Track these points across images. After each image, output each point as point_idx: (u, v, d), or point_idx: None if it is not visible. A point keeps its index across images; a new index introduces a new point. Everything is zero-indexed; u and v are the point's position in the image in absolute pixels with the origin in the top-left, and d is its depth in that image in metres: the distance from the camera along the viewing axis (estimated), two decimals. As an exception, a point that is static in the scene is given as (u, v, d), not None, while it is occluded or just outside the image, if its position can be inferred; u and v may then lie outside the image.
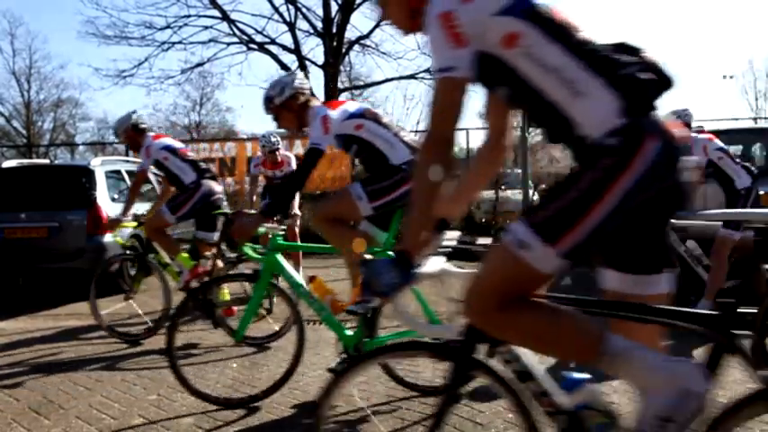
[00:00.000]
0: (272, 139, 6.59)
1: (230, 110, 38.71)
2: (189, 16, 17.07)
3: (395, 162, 3.51)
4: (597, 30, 1.58)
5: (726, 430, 1.50)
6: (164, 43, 17.22)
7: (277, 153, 6.63)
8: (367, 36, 18.24)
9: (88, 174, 7.18)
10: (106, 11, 25.98)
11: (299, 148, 12.43)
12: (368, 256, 1.69)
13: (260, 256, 3.56)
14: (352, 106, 3.69)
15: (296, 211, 6.37)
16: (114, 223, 5.39)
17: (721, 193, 5.04)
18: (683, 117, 4.99)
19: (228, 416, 3.26)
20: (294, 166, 6.71)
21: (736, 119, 20.78)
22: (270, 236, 3.46)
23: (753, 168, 4.88)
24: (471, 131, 14.54)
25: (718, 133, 6.70)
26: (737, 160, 4.98)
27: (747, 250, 4.93)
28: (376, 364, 2.78)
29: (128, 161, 9.05)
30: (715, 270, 4.73)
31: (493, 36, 1.58)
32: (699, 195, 5.50)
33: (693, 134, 4.93)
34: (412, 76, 18.79)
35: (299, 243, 6.81)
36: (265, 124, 77.74)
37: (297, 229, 6.76)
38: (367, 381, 3.76)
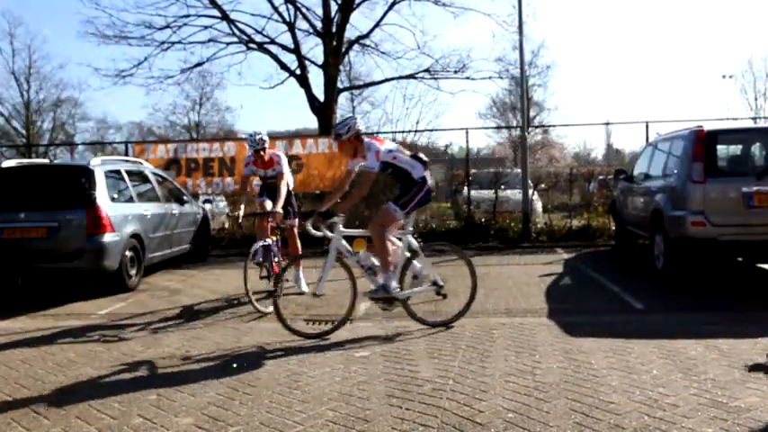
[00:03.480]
0: (257, 137, 6.49)
1: (230, 109, 38.81)
2: (188, 16, 17.06)
3: None
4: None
5: None
6: (163, 43, 17.21)
7: (263, 152, 6.52)
8: (366, 36, 18.24)
9: (88, 173, 7.17)
10: (105, 11, 26.00)
11: (299, 148, 12.43)
12: None
13: None
14: None
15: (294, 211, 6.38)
16: None
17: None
18: (353, 131, 5.07)
19: (228, 416, 3.26)
20: (285, 165, 6.62)
21: (736, 118, 20.82)
22: None
23: (424, 159, 5.19)
24: (471, 131, 14.49)
25: (718, 132, 6.71)
26: (412, 154, 5.22)
27: None
28: None
29: (127, 161, 9.04)
30: (380, 243, 5.03)
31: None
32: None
33: (368, 142, 5.06)
34: (411, 76, 18.78)
35: (298, 244, 6.80)
36: (265, 124, 77.88)
37: (296, 230, 6.75)
38: (367, 380, 3.77)
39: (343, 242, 5.06)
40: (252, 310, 5.98)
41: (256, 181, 7.11)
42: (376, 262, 5.10)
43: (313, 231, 5.07)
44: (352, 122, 5.08)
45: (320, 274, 4.99)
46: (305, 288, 6.74)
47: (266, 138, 6.60)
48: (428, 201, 5.30)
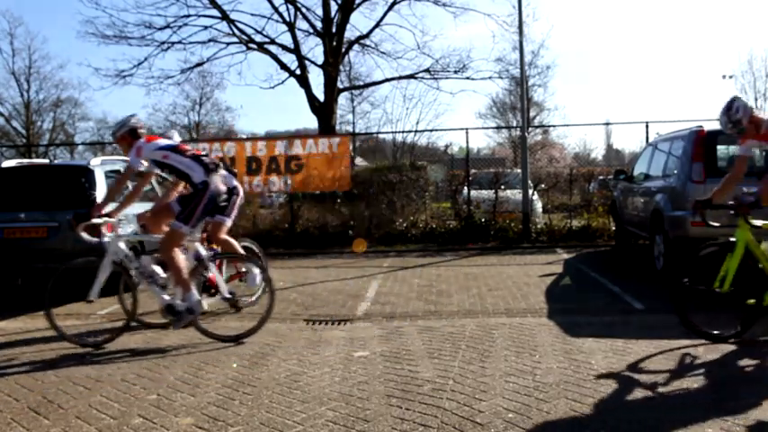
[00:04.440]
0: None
1: (230, 109, 38.65)
2: (188, 16, 17.05)
3: None
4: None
5: None
6: (163, 43, 17.20)
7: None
8: (366, 36, 18.24)
9: (88, 173, 7.16)
10: (105, 11, 26.02)
11: (299, 148, 12.41)
12: None
13: None
14: None
15: None
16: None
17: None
18: (125, 128, 4.97)
19: (228, 416, 3.25)
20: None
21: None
22: None
23: (208, 161, 4.85)
24: (471, 131, 14.47)
25: (718, 133, 6.70)
26: (192, 154, 4.87)
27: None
28: None
29: (127, 161, 9.03)
30: (174, 265, 4.70)
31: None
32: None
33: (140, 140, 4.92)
34: (411, 76, 18.78)
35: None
36: (265, 124, 77.92)
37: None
38: (367, 380, 3.76)
39: (122, 247, 4.89)
40: (250, 310, 5.97)
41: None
42: (158, 270, 4.88)
43: (86, 237, 4.85)
44: (126, 119, 4.99)
45: (95, 281, 4.81)
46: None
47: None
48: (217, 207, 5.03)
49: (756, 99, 30.95)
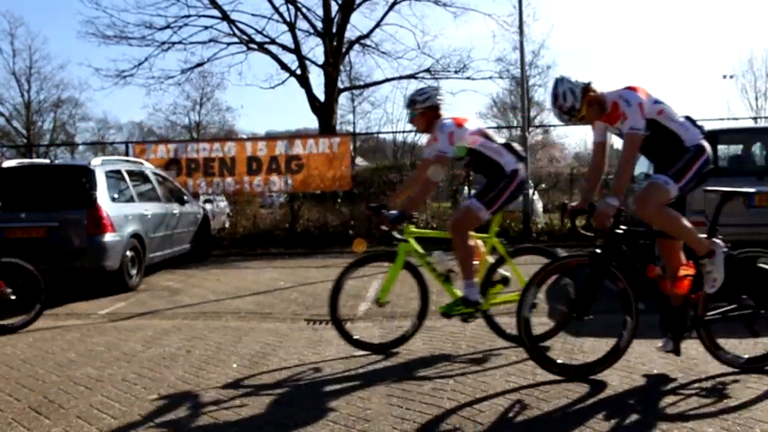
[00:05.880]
0: None
1: (230, 110, 38.66)
2: (189, 16, 17.10)
3: None
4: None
5: None
6: (164, 43, 17.24)
7: None
8: (367, 36, 18.26)
9: (88, 173, 7.17)
10: (106, 11, 26.13)
11: (299, 148, 12.41)
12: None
13: None
14: None
15: None
16: None
17: None
18: None
19: (228, 416, 3.26)
20: None
21: (736, 118, 20.78)
22: None
23: None
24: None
25: (718, 132, 6.70)
26: None
27: None
28: None
29: (128, 161, 9.04)
30: None
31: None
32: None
33: None
34: (412, 76, 18.78)
35: None
36: (265, 124, 77.95)
37: None
38: (367, 381, 3.77)
39: None
40: (250, 310, 5.98)
41: None
42: None
43: None
44: None
45: None
46: None
47: None
48: None
49: (757, 99, 30.90)
